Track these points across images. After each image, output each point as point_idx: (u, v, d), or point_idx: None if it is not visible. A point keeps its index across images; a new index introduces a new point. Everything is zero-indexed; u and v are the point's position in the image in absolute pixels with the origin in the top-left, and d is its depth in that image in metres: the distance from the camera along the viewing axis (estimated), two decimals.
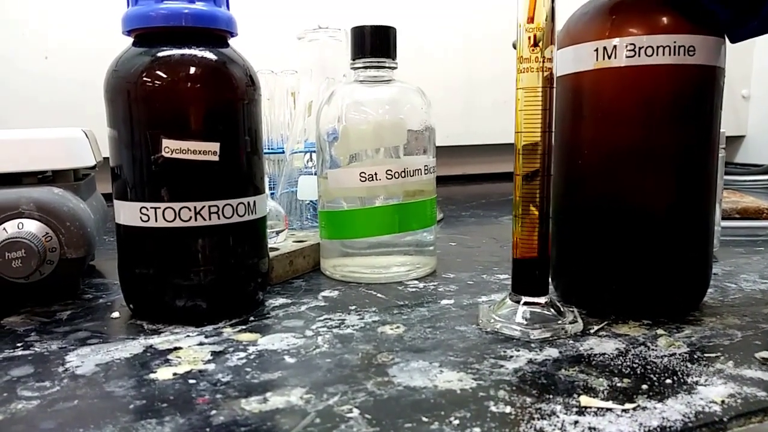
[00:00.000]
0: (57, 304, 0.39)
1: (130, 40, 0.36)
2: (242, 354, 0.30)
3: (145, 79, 0.34)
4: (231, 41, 0.37)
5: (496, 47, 1.02)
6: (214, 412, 0.24)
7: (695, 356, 0.29)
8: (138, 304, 0.37)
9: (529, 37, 0.31)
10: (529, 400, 0.25)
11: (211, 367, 0.29)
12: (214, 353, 0.30)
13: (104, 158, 0.48)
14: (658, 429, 0.23)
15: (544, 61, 0.31)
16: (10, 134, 0.41)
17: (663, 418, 0.23)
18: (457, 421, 0.23)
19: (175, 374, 0.28)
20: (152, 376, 0.28)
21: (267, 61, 0.57)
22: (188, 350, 0.31)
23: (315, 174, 0.56)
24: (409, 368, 0.28)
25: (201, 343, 0.32)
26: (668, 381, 0.27)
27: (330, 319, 0.35)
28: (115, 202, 0.36)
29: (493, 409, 0.24)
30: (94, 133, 0.48)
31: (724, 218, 0.53)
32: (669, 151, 0.33)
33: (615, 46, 0.32)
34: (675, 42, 0.32)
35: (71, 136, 0.44)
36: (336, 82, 0.57)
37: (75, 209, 0.40)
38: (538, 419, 0.23)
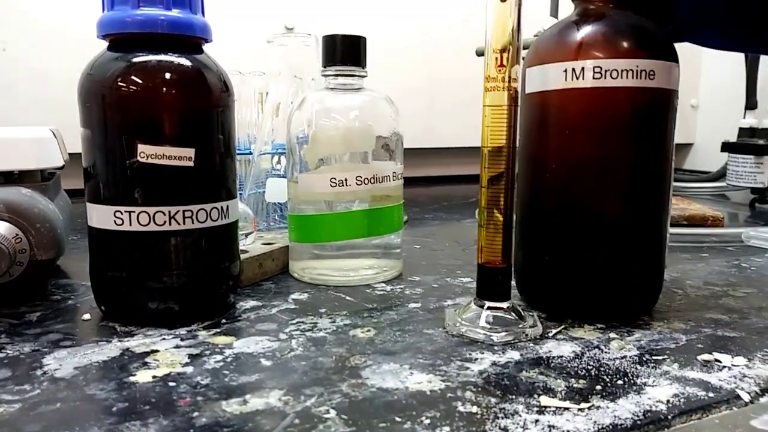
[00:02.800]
0: (25, 306, 0.39)
1: (100, 39, 0.36)
2: (219, 357, 0.31)
3: (120, 84, 0.34)
4: (205, 47, 0.38)
5: (457, 51, 1.05)
6: (196, 413, 0.25)
7: (644, 359, 0.32)
8: (110, 306, 0.37)
9: (497, 58, 0.33)
10: (493, 400, 0.27)
11: (190, 369, 0.29)
12: (191, 356, 0.31)
13: (70, 154, 0.48)
14: (611, 427, 0.25)
15: (509, 81, 0.33)
16: None
17: (615, 417, 0.25)
18: (428, 421, 0.25)
19: (154, 377, 0.29)
20: (132, 378, 0.28)
21: (235, 62, 0.57)
22: (165, 353, 0.31)
23: (283, 176, 0.57)
24: (381, 370, 0.30)
25: (177, 346, 0.32)
26: (620, 382, 0.29)
27: (302, 322, 0.37)
28: (88, 204, 0.36)
29: (461, 409, 0.26)
30: (61, 132, 0.47)
31: (671, 225, 0.57)
32: (627, 166, 0.36)
33: (583, 68, 0.34)
34: (637, 66, 0.34)
35: (40, 136, 0.44)
36: (304, 84, 0.58)
37: (45, 210, 0.40)
38: (503, 418, 0.25)
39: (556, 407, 0.26)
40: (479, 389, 0.28)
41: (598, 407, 0.26)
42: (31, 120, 0.51)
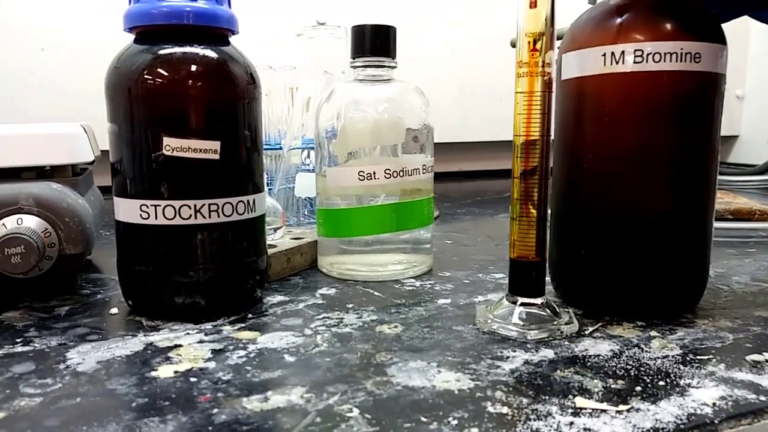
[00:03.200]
0: (55, 300, 0.39)
1: (127, 32, 0.36)
2: (242, 352, 0.30)
3: (146, 76, 0.34)
4: (232, 38, 0.37)
5: (492, 44, 1.02)
6: (216, 410, 0.24)
7: (688, 358, 0.30)
8: (137, 300, 0.37)
9: (529, 42, 0.31)
10: (525, 400, 0.25)
11: (212, 365, 0.29)
12: (214, 351, 0.31)
13: (102, 151, 0.48)
14: (652, 430, 0.23)
15: (543, 66, 0.31)
16: (9, 129, 0.41)
17: (656, 420, 0.24)
18: (455, 422, 0.24)
19: (176, 372, 0.28)
20: (153, 373, 0.28)
21: (265, 57, 0.57)
22: (188, 348, 0.31)
23: (313, 171, 0.56)
24: (408, 368, 0.29)
25: (201, 341, 0.32)
26: (661, 383, 0.27)
27: (328, 317, 0.36)
28: (115, 198, 0.36)
29: (491, 409, 0.25)
30: (92, 128, 0.48)
31: (716, 219, 0.54)
32: (671, 155, 0.34)
33: (623, 52, 0.33)
34: (682, 49, 0.32)
35: (70, 132, 0.44)
36: (334, 78, 0.58)
37: (74, 205, 0.40)
38: (535, 420, 0.24)
39: (593, 409, 0.25)
40: (510, 389, 0.26)
41: (637, 409, 0.25)
42: (67, 117, 0.52)
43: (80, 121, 0.46)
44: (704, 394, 0.26)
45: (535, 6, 0.31)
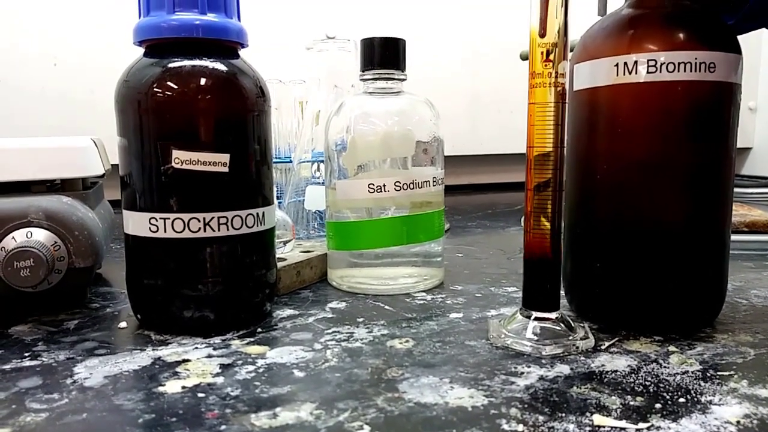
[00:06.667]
0: (64, 313, 0.39)
1: (137, 47, 0.36)
2: (251, 367, 0.30)
3: (156, 89, 0.34)
4: (241, 52, 0.37)
5: (502, 56, 1.02)
6: (223, 427, 0.24)
7: (708, 374, 0.29)
8: (146, 314, 0.37)
9: (542, 52, 0.31)
10: (541, 418, 0.25)
11: (220, 380, 0.28)
12: (222, 366, 0.30)
13: (112, 165, 0.48)
14: None
15: (556, 76, 0.31)
16: (19, 142, 0.41)
17: None
18: None
19: (183, 387, 0.28)
20: (161, 389, 0.27)
21: (275, 71, 0.57)
22: (197, 363, 0.31)
23: (323, 184, 0.56)
24: (420, 384, 0.28)
25: (209, 356, 0.31)
26: (681, 400, 0.26)
27: (338, 331, 0.35)
28: (124, 212, 0.36)
29: (506, 427, 0.24)
30: (102, 141, 0.48)
31: (732, 232, 0.53)
32: (686, 166, 0.33)
33: (636, 62, 0.32)
34: (696, 58, 0.32)
35: (80, 145, 0.44)
36: (344, 92, 0.58)
37: (83, 218, 0.40)
38: None
39: (611, 427, 0.24)
40: (526, 406, 0.26)
41: (658, 427, 0.24)
42: (78, 131, 0.52)
43: (92, 133, 0.46)
44: (727, 412, 0.25)
45: (545, 35, 0.31)
